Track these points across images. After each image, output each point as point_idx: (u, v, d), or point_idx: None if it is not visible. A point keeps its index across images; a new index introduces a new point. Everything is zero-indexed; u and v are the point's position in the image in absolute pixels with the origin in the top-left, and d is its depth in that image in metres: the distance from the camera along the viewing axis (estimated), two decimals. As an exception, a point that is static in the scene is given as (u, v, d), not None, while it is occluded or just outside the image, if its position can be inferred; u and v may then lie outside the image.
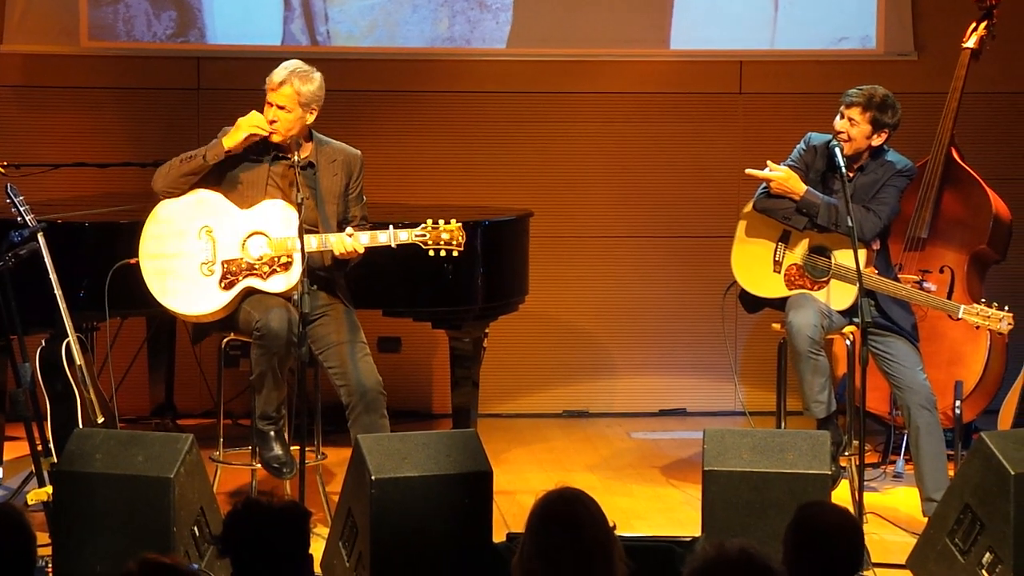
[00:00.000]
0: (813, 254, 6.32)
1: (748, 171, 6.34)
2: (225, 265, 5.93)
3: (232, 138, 5.91)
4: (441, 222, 5.90)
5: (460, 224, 5.91)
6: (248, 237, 5.95)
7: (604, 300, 8.19)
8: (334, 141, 6.10)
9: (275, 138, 5.93)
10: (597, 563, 3.58)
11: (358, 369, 5.89)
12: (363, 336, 6.00)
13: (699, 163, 8.15)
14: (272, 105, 5.92)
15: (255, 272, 5.92)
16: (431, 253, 5.90)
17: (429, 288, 6.54)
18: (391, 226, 5.89)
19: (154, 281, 5.94)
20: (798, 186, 6.24)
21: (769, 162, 6.33)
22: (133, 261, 6.00)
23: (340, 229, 5.97)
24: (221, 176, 5.99)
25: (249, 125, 5.90)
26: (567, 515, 3.62)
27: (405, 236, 5.88)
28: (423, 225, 5.89)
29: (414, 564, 5.16)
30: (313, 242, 5.81)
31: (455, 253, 5.92)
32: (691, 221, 8.15)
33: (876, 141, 6.24)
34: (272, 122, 5.91)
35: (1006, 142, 8.14)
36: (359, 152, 6.13)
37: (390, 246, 5.89)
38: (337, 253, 5.88)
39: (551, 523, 3.61)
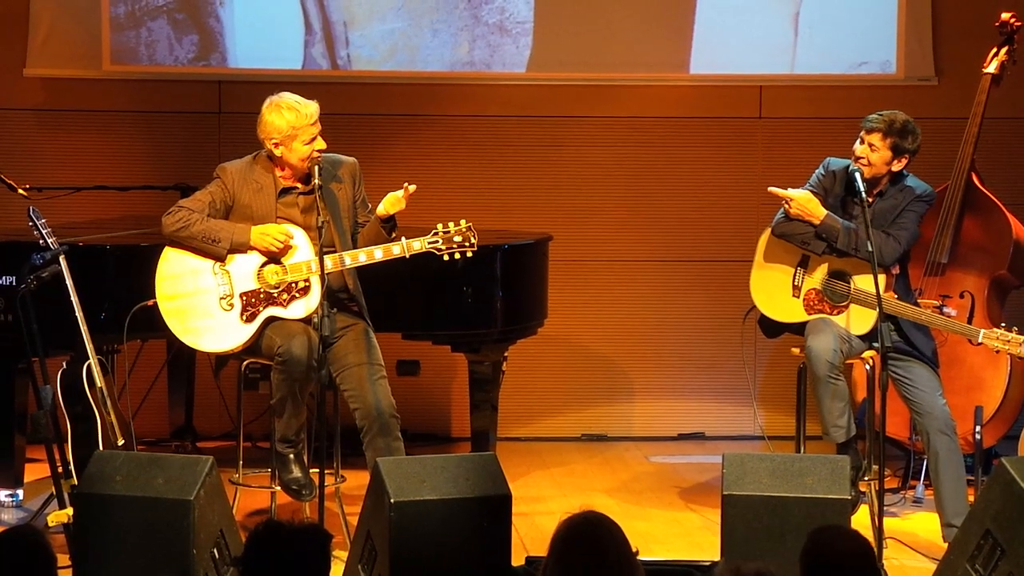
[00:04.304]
0: (832, 279, 6.32)
1: (771, 189, 6.34)
2: (244, 298, 5.94)
3: (260, 243, 5.91)
4: (451, 224, 5.91)
5: (470, 224, 5.92)
6: (262, 266, 5.96)
7: (623, 324, 8.19)
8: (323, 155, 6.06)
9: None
10: (619, 587, 3.59)
11: (372, 392, 5.89)
12: (380, 356, 6.00)
13: (718, 187, 8.15)
14: (318, 136, 5.94)
15: (275, 301, 5.94)
16: (446, 258, 5.91)
17: (448, 311, 6.55)
18: (403, 237, 5.91)
19: (174, 321, 5.95)
20: (818, 210, 6.24)
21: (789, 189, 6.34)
22: (151, 303, 6.01)
23: (354, 239, 6.01)
24: (228, 212, 6.01)
25: (277, 240, 5.91)
26: (591, 539, 3.62)
27: (418, 245, 5.90)
28: (434, 231, 5.90)
29: (433, 587, 5.16)
30: (329, 263, 5.83)
31: (469, 254, 5.92)
32: (710, 245, 8.14)
33: (896, 167, 6.24)
34: (321, 150, 5.95)
35: (1026, 167, 8.14)
36: (354, 159, 6.14)
37: (404, 257, 5.90)
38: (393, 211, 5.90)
39: (574, 546, 3.61)
